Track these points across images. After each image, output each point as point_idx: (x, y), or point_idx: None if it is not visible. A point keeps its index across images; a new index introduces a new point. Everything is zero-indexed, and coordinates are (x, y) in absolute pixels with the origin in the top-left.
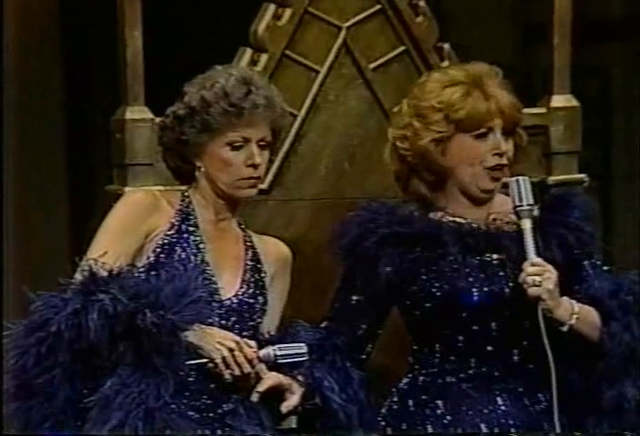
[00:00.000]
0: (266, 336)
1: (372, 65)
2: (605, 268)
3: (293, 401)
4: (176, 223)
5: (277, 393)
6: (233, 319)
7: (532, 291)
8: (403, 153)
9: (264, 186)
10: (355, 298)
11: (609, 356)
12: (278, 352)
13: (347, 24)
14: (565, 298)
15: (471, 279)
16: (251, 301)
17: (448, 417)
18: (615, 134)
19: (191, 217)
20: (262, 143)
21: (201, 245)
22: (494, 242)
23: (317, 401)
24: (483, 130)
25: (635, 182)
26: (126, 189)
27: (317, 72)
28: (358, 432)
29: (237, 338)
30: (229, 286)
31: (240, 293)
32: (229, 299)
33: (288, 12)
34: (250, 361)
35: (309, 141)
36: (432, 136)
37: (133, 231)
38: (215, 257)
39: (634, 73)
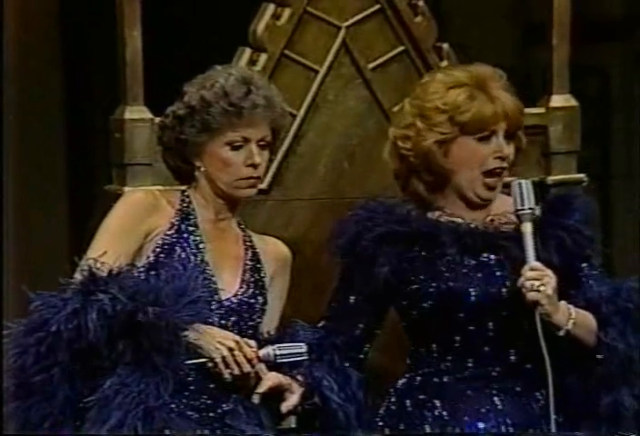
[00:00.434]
0: (266, 336)
1: (371, 65)
2: (603, 272)
3: (292, 400)
4: (176, 223)
5: (277, 393)
6: (232, 319)
7: (530, 295)
8: (404, 152)
9: (263, 186)
10: (352, 297)
11: (605, 363)
12: (278, 352)
13: (346, 23)
14: (562, 302)
15: (468, 279)
16: (251, 300)
17: (446, 417)
18: (614, 134)
19: (191, 217)
20: (261, 142)
21: (201, 245)
22: (491, 243)
23: (317, 401)
24: (486, 133)
25: (635, 182)
26: (126, 189)
27: (316, 71)
28: (357, 432)
29: (237, 337)
30: (229, 286)
31: (240, 293)
32: (229, 299)
33: (287, 12)
34: (250, 361)
35: (308, 141)
36: (435, 138)
37: (132, 230)
38: (214, 257)
39: (633, 73)
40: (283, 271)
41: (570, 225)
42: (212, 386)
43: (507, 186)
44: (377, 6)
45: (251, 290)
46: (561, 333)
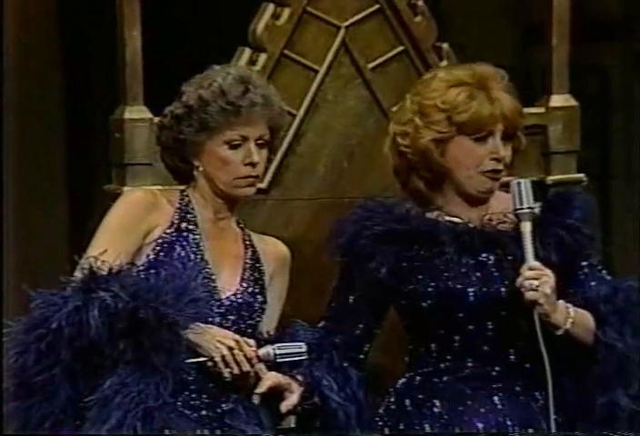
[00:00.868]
0: (265, 335)
1: (371, 65)
2: (602, 271)
3: (292, 400)
4: (176, 222)
5: (276, 393)
6: (232, 317)
7: (529, 295)
8: (403, 149)
9: (262, 186)
10: (352, 297)
11: (602, 363)
12: (277, 352)
13: (346, 23)
14: (561, 302)
15: (467, 279)
16: (250, 299)
17: (445, 416)
18: (613, 134)
19: (190, 216)
20: (260, 141)
21: (200, 244)
22: (490, 242)
23: (316, 401)
24: (483, 133)
25: (635, 182)
26: (125, 189)
27: (316, 71)
28: (357, 432)
29: (237, 336)
30: (228, 285)
31: (239, 292)
32: (228, 297)
33: (287, 11)
34: (249, 360)
35: (308, 140)
36: (432, 136)
37: (132, 229)
38: (214, 256)
39: (632, 72)
40: (282, 270)
41: (570, 224)
42: (211, 386)
43: (506, 186)
44: (377, 6)
45: (250, 288)
46: (559, 333)
